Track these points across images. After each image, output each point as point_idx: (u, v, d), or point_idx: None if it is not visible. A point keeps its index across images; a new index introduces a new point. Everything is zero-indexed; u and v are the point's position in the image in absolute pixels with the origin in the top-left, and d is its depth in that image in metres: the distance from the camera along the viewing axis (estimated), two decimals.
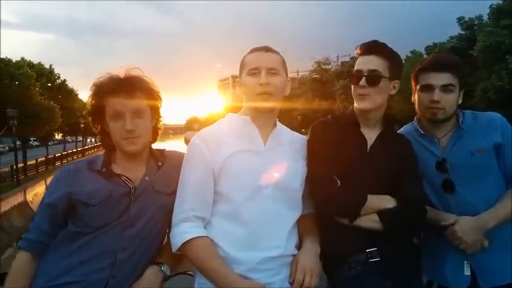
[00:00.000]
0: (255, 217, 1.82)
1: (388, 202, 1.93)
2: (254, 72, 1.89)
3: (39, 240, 1.83)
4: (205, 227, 1.85)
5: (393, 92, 2.05)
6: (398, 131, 2.26)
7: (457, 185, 2.08)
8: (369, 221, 1.91)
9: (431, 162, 2.13)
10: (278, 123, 2.02)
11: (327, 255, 1.99)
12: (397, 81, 2.06)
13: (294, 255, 1.88)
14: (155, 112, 2.00)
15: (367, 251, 1.90)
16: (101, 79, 1.92)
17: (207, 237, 1.81)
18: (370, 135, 2.06)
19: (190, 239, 1.78)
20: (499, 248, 2.03)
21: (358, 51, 2.04)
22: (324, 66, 63.15)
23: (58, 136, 62.15)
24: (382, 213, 1.90)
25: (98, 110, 1.91)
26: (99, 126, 1.95)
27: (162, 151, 2.09)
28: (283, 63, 1.97)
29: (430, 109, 2.09)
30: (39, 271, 1.79)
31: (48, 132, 34.09)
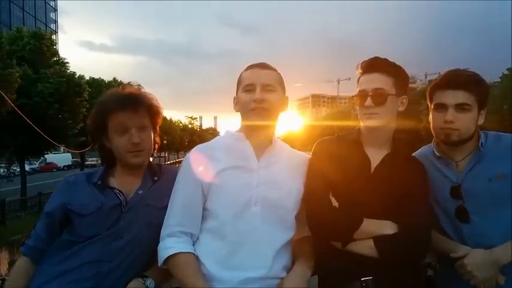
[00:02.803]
0: (239, 235, 1.79)
1: (386, 228, 1.79)
2: (249, 88, 1.86)
3: (37, 246, 1.94)
4: (194, 243, 1.84)
5: (401, 108, 1.92)
6: (414, 153, 2.11)
7: (472, 213, 1.90)
8: (364, 246, 1.78)
9: (446, 187, 1.96)
10: (277, 140, 1.95)
11: (322, 280, 1.90)
12: (404, 96, 1.92)
13: (282, 278, 1.79)
14: (155, 127, 2.07)
15: (362, 279, 1.77)
16: (105, 97, 2.02)
17: (191, 253, 1.80)
18: (377, 155, 1.92)
19: (173, 254, 1.77)
20: None
21: (360, 70, 1.92)
22: (410, 85, 60.20)
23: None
24: (378, 240, 1.77)
25: (100, 126, 1.98)
26: (102, 142, 2.01)
27: (160, 166, 2.14)
28: (280, 80, 1.94)
29: (443, 130, 1.92)
30: (35, 275, 1.89)
31: None
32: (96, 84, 30.21)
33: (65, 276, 1.82)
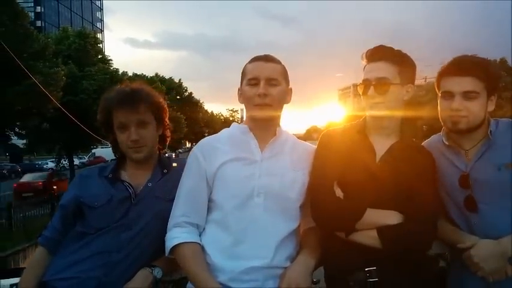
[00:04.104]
0: (242, 226, 1.81)
1: (391, 218, 1.77)
2: (253, 82, 1.87)
3: (53, 237, 2.04)
4: (200, 234, 1.88)
5: (406, 97, 1.88)
6: (423, 142, 2.08)
7: (481, 203, 1.84)
8: (367, 237, 1.76)
9: (455, 176, 1.90)
10: (283, 131, 1.96)
11: (327, 271, 1.90)
12: (410, 85, 1.88)
13: (285, 268, 1.80)
14: (161, 122, 2.11)
15: (366, 269, 1.75)
16: (108, 94, 2.08)
17: (197, 243, 1.83)
18: (383, 145, 1.89)
19: (178, 244, 1.81)
20: None
21: (364, 59, 1.90)
22: None
23: (188, 144, 67.46)
24: (381, 230, 1.75)
25: (106, 121, 2.05)
26: (112, 136, 2.08)
27: (170, 159, 2.20)
28: (284, 72, 1.94)
29: (450, 117, 1.86)
30: (51, 264, 1.98)
31: (175, 140, 36.91)
32: (139, 80, 31.08)
33: (76, 266, 1.90)
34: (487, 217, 1.83)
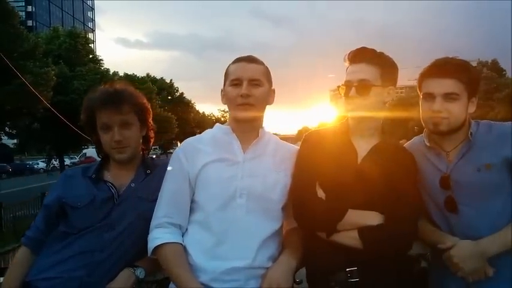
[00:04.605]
0: (224, 226, 1.82)
1: (371, 219, 1.79)
2: (236, 83, 1.88)
3: (36, 237, 2.04)
4: (183, 235, 1.89)
5: (387, 99, 1.91)
6: (405, 144, 2.10)
7: (461, 204, 1.86)
8: (348, 237, 1.78)
9: (436, 177, 1.92)
10: (266, 132, 1.98)
11: (308, 271, 1.92)
12: (391, 87, 1.91)
13: (267, 268, 1.81)
14: (144, 123, 2.11)
15: (347, 270, 1.77)
16: (92, 94, 2.08)
17: (179, 243, 1.84)
18: (365, 146, 1.91)
19: (160, 244, 1.82)
20: (505, 278, 1.78)
21: (347, 60, 1.92)
22: None
23: (179, 145, 67.06)
24: (362, 231, 1.77)
25: (90, 121, 2.05)
26: (95, 136, 2.08)
27: (153, 159, 2.22)
28: (267, 73, 1.96)
29: (431, 119, 1.88)
30: (34, 264, 1.98)
31: (166, 140, 36.80)
32: (130, 80, 30.99)
33: (59, 266, 1.90)
34: (467, 218, 1.85)
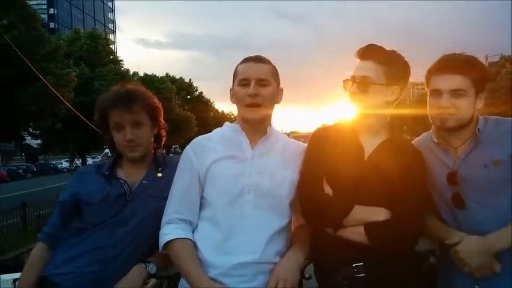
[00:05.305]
0: (232, 222, 1.86)
1: (378, 215, 1.80)
2: (244, 83, 1.91)
3: (52, 233, 2.11)
4: (193, 230, 1.93)
5: (392, 98, 1.91)
6: (414, 140, 2.12)
7: (468, 199, 1.86)
8: (354, 233, 1.80)
9: (443, 173, 1.92)
10: (274, 130, 2.02)
11: (316, 267, 1.94)
12: (397, 86, 1.90)
13: (274, 263, 1.84)
14: (155, 122, 2.16)
15: (354, 265, 1.79)
16: (105, 94, 2.17)
17: (189, 239, 1.88)
18: (371, 143, 1.92)
19: (171, 240, 1.87)
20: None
21: (357, 56, 1.94)
22: None
23: None
24: (368, 226, 1.79)
25: (103, 121, 2.12)
26: (108, 136, 2.15)
27: (164, 157, 2.25)
28: (275, 73, 1.99)
29: (439, 115, 1.88)
30: (50, 260, 2.04)
31: (186, 140, 37.10)
32: (149, 80, 31.38)
33: (73, 261, 1.96)
34: (474, 214, 1.85)
